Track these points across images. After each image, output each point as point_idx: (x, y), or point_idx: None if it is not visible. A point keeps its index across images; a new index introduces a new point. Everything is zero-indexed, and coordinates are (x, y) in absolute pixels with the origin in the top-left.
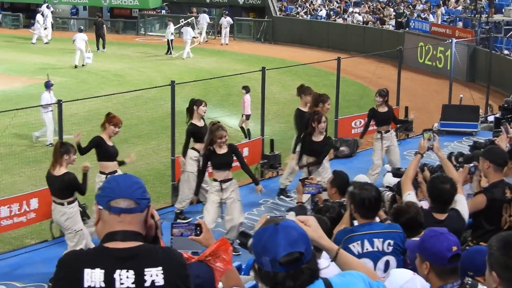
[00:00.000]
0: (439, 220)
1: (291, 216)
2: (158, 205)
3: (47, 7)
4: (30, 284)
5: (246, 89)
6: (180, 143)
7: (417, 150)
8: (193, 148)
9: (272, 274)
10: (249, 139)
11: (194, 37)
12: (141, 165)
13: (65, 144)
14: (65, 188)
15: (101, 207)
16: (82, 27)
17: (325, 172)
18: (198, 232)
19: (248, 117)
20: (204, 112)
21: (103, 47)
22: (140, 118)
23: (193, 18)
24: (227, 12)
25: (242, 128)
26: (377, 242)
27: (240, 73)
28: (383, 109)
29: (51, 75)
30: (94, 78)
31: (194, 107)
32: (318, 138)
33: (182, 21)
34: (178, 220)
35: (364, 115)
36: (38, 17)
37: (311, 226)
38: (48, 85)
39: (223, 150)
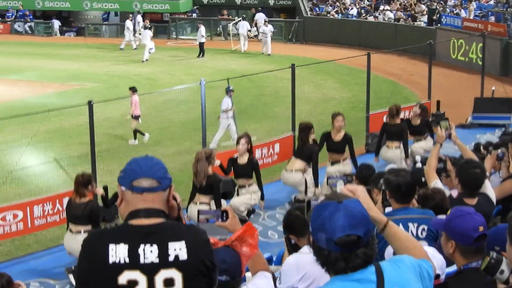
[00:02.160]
0: (470, 205)
1: (339, 184)
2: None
3: (138, 12)
4: (64, 281)
5: (133, 89)
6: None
7: (436, 140)
8: None
9: (326, 252)
10: (135, 139)
11: (249, 30)
12: (174, 166)
13: (85, 175)
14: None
15: (123, 188)
16: (149, 24)
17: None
18: (225, 218)
19: (137, 117)
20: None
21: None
22: (172, 120)
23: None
24: (267, 20)
25: (135, 131)
26: (412, 227)
27: (270, 71)
28: (416, 122)
29: (84, 81)
30: (126, 82)
31: None
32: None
33: (236, 18)
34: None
35: None
36: (128, 23)
37: (360, 197)
38: (228, 90)
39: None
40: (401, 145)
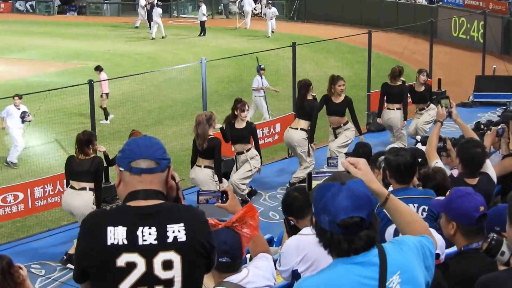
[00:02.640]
0: (471, 185)
1: (341, 157)
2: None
3: None
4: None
5: (99, 68)
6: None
7: (436, 118)
8: None
9: (329, 233)
10: (107, 119)
11: (254, 8)
12: (175, 146)
13: (86, 132)
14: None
15: (122, 169)
16: (158, 1)
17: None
18: (224, 199)
19: (107, 95)
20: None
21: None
22: (173, 99)
23: None
24: (270, 2)
25: (104, 109)
26: (412, 207)
27: (271, 49)
28: (420, 88)
29: (85, 60)
30: (128, 61)
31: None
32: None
33: None
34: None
35: None
36: (141, 1)
37: (361, 169)
38: (258, 69)
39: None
40: (402, 106)
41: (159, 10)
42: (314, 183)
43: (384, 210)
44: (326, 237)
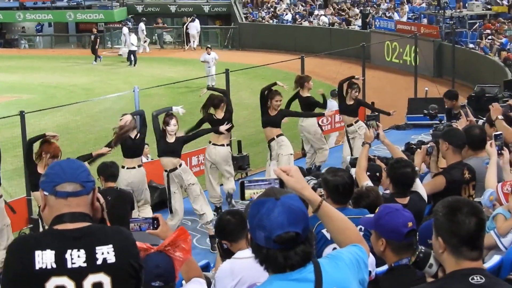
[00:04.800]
0: (402, 204)
1: (273, 165)
2: None
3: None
4: None
5: None
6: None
7: (364, 140)
8: None
9: (265, 249)
10: None
11: (198, 31)
12: None
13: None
14: None
15: (46, 193)
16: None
17: None
18: (156, 226)
19: None
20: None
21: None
22: (108, 130)
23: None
24: (210, 47)
25: None
26: None
27: (204, 76)
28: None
29: (19, 93)
30: (63, 93)
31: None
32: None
33: (186, 18)
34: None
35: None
36: (124, 30)
37: (293, 176)
38: (333, 94)
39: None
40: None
41: (142, 26)
42: (247, 192)
43: (322, 231)
44: (262, 253)
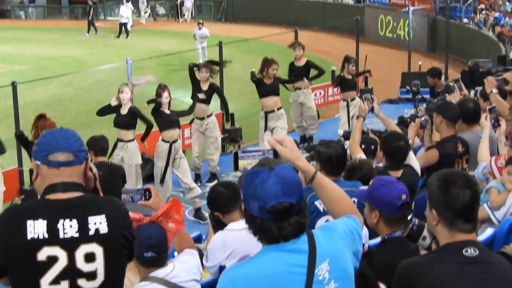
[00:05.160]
0: (396, 178)
1: (267, 136)
2: None
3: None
4: None
5: None
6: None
7: (359, 113)
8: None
9: (259, 220)
10: None
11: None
12: None
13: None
14: None
15: (38, 162)
16: None
17: None
18: (148, 197)
19: None
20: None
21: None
22: (102, 102)
23: None
24: (201, 22)
25: None
26: None
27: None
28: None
29: (11, 64)
30: (55, 64)
31: None
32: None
33: None
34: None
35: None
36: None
37: (287, 147)
38: None
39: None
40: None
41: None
42: (241, 163)
43: (314, 203)
44: (256, 224)
